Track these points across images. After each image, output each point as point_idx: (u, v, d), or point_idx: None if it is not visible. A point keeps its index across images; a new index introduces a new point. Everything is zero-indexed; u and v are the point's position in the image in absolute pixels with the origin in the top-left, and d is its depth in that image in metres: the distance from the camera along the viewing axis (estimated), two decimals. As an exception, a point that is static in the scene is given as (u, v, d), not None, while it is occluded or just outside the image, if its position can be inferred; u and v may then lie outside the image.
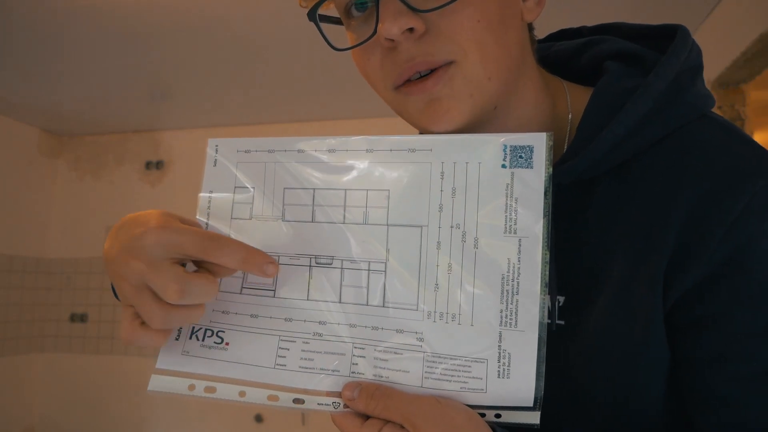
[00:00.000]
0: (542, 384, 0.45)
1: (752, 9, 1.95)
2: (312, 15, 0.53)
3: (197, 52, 2.56)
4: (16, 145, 3.51)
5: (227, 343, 0.52)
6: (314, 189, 0.53)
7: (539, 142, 0.48)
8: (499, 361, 0.47)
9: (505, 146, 0.49)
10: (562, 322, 0.52)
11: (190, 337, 0.53)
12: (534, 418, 0.45)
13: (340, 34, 0.57)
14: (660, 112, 0.50)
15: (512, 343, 0.47)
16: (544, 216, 0.47)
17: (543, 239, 0.47)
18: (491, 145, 0.49)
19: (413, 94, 0.51)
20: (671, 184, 0.48)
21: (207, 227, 0.55)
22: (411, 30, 0.48)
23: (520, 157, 0.49)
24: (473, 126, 0.52)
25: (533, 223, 0.47)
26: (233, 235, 0.54)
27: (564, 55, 0.62)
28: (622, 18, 0.69)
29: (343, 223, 0.52)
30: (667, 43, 0.53)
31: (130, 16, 2.22)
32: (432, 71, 0.50)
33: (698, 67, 0.54)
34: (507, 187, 0.49)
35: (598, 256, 0.50)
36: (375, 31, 0.50)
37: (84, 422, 3.46)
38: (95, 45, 2.46)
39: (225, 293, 0.53)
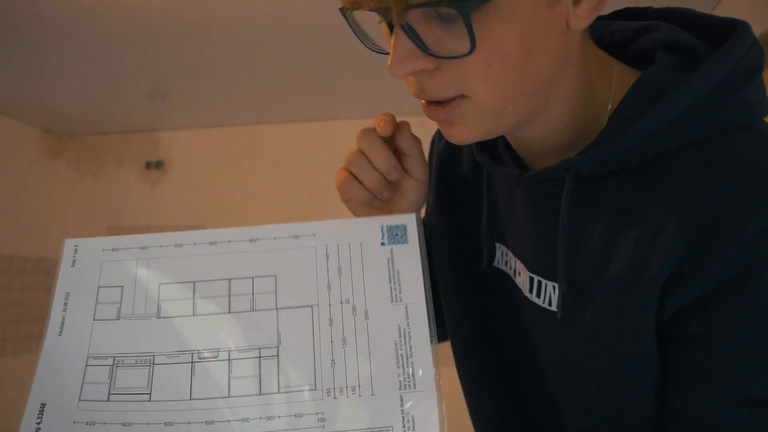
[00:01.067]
0: None
1: (752, 9, 1.95)
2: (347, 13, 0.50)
3: (197, 52, 2.56)
4: (16, 145, 3.50)
5: None
6: (194, 282, 0.53)
7: (410, 221, 0.55)
8: (404, 426, 0.47)
9: (383, 227, 0.55)
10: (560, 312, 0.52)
11: None
12: None
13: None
14: (698, 114, 0.47)
15: (414, 405, 0.48)
16: (424, 282, 0.52)
17: (426, 302, 0.51)
18: (370, 226, 0.55)
19: (427, 115, 0.51)
20: (691, 192, 0.45)
21: (62, 331, 0.51)
22: (420, 69, 0.47)
23: (396, 234, 0.54)
24: (491, 137, 0.52)
25: (416, 289, 0.52)
26: (95, 337, 0.51)
27: (622, 36, 0.58)
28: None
29: (229, 312, 0.52)
30: (726, 38, 0.49)
31: (130, 16, 2.22)
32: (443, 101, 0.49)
33: (755, 71, 0.49)
34: (388, 261, 0.53)
35: (603, 252, 0.49)
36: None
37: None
38: (95, 45, 2.46)
39: (88, 402, 0.48)
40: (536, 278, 0.55)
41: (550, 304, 0.53)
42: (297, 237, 0.55)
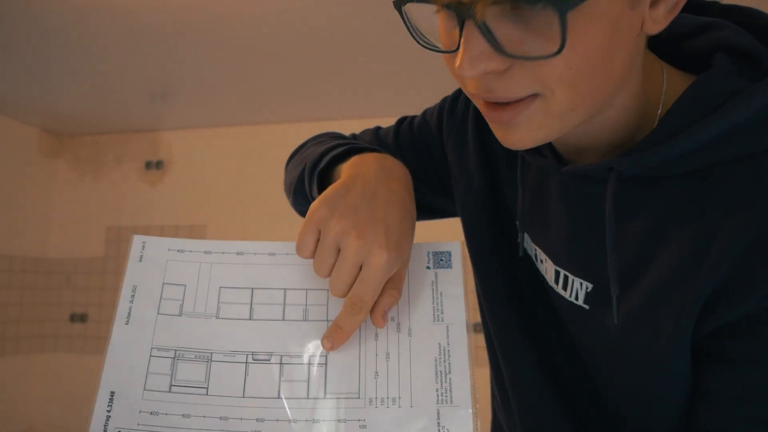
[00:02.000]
0: None
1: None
2: (398, 5, 0.46)
3: (197, 52, 2.56)
4: (16, 145, 3.50)
5: None
6: (253, 288, 0.56)
7: (455, 249, 0.58)
8: None
9: (429, 252, 0.58)
10: (587, 307, 0.52)
11: None
12: None
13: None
14: (758, 126, 0.45)
15: (449, 418, 0.51)
16: (465, 304, 0.56)
17: (467, 324, 0.55)
18: (417, 251, 0.58)
19: (487, 117, 0.48)
20: (744, 207, 0.44)
21: (129, 321, 0.54)
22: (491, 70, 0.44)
23: (441, 260, 0.58)
24: (548, 140, 0.50)
25: (457, 311, 0.55)
26: (159, 330, 0.54)
27: (681, 31, 0.55)
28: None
29: (283, 320, 0.55)
30: None
31: (130, 16, 2.22)
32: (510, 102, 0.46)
33: None
34: (432, 284, 0.57)
35: (640, 255, 0.49)
36: (456, 50, 0.44)
37: (84, 422, 3.46)
38: (95, 45, 2.46)
39: (152, 392, 0.52)
40: (563, 272, 0.55)
41: (576, 298, 0.54)
42: None
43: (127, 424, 0.50)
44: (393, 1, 0.46)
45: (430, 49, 0.47)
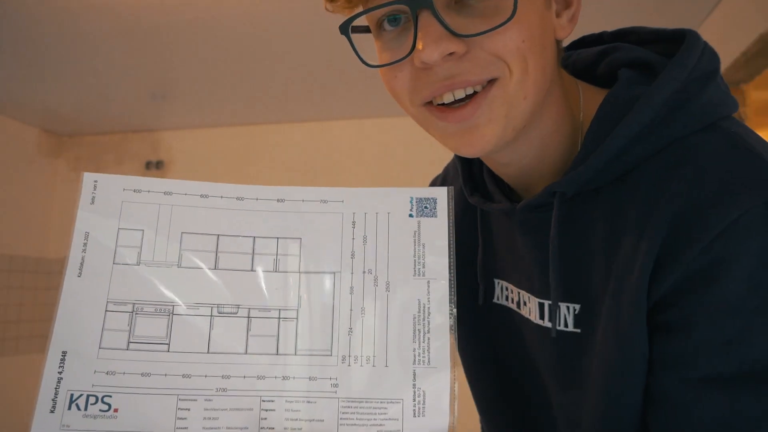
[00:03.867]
0: (455, 421, 0.47)
1: (752, 9, 1.95)
2: (344, 30, 0.51)
3: (197, 52, 2.56)
4: (16, 145, 3.50)
5: (116, 410, 0.46)
6: (218, 235, 0.52)
7: (442, 195, 0.54)
8: (414, 400, 0.48)
9: (412, 198, 0.54)
10: (579, 331, 0.53)
11: (69, 407, 0.46)
12: None
13: (364, 41, 0.56)
14: (662, 122, 0.50)
15: (426, 380, 0.48)
16: (449, 258, 0.51)
17: (449, 279, 0.51)
18: (399, 197, 0.54)
19: (447, 120, 0.51)
20: (662, 194, 0.47)
21: (81, 273, 0.49)
22: (451, 54, 0.47)
23: (425, 207, 0.53)
24: (501, 148, 0.53)
25: (440, 265, 0.51)
26: (115, 282, 0.49)
27: (583, 63, 0.62)
28: (620, 18, 0.69)
29: (251, 270, 0.51)
30: (679, 48, 0.52)
31: (130, 15, 2.22)
32: (468, 96, 0.50)
33: (710, 73, 0.51)
34: (414, 234, 0.53)
35: (604, 265, 0.51)
36: (411, 51, 0.48)
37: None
38: (95, 45, 2.47)
39: (108, 350, 0.47)
40: (546, 303, 0.56)
41: (566, 325, 0.54)
42: (325, 201, 0.54)
43: (80, 385, 0.46)
44: (339, 27, 0.50)
45: (377, 66, 0.52)
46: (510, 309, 0.62)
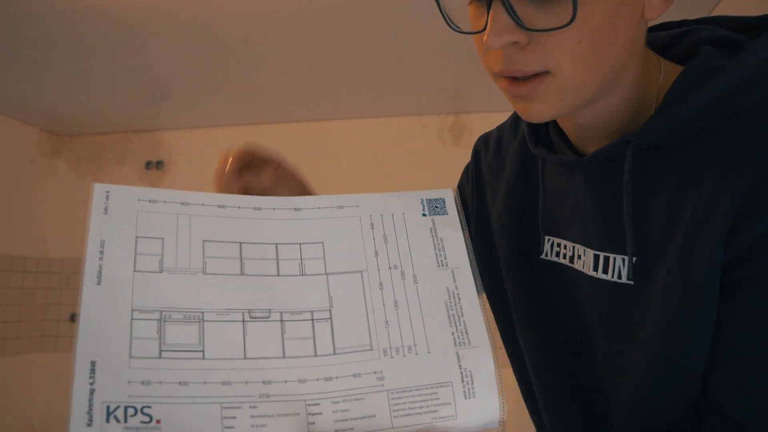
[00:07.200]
0: (504, 402, 0.48)
1: (752, 9, 1.95)
2: None
3: (197, 52, 2.56)
4: (16, 145, 3.50)
5: (158, 421, 0.43)
6: (240, 243, 0.52)
7: (448, 195, 0.59)
8: (462, 381, 0.49)
9: (423, 199, 0.58)
10: (632, 283, 0.54)
11: (108, 420, 0.42)
12: None
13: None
14: (747, 87, 0.51)
15: (470, 360, 0.50)
16: (467, 247, 0.55)
17: (471, 266, 0.54)
18: (411, 199, 0.58)
19: (509, 92, 0.54)
20: (746, 152, 0.48)
21: (100, 281, 0.47)
22: (514, 43, 0.50)
23: (436, 206, 0.58)
24: (565, 114, 0.56)
25: (460, 254, 0.55)
26: (138, 289, 0.48)
27: (663, 42, 0.63)
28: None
29: (278, 275, 0.51)
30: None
31: (130, 15, 2.22)
32: (527, 77, 0.52)
33: None
34: (431, 230, 0.56)
35: (667, 220, 0.52)
36: (482, 31, 0.51)
37: (84, 422, 3.45)
38: (95, 45, 2.46)
39: (139, 359, 0.45)
40: (602, 255, 0.57)
41: (620, 277, 0.55)
42: (341, 207, 0.56)
43: (115, 396, 0.43)
44: None
45: (460, 32, 0.54)
46: (559, 264, 0.63)
